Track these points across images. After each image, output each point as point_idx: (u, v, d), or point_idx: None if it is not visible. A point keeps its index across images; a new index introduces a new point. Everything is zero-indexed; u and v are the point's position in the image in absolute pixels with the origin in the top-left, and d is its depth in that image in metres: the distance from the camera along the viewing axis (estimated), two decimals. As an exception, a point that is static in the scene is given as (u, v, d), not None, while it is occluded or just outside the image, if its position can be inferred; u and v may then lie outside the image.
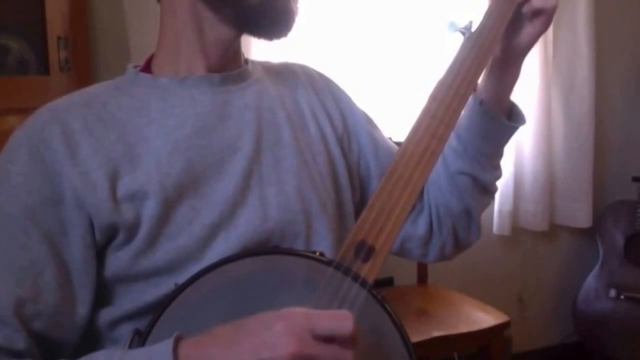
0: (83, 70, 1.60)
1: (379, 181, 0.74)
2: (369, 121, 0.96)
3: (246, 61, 0.87)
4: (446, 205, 0.92)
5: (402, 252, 0.97)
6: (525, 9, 0.81)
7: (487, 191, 0.92)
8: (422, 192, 0.94)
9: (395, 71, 1.99)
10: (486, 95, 0.86)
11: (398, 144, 0.85)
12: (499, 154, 0.91)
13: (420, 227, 0.94)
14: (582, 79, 2.22)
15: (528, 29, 0.82)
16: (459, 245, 0.96)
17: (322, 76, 0.95)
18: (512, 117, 0.89)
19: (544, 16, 0.81)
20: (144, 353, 0.62)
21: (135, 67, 0.83)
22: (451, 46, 0.81)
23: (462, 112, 0.84)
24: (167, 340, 0.60)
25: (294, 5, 0.79)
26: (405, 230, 0.94)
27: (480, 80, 0.85)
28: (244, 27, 0.80)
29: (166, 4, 0.81)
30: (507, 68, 0.85)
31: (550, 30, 2.10)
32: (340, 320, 0.59)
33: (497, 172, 0.92)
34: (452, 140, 0.88)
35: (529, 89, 2.11)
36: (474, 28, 0.80)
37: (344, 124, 0.91)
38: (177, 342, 0.60)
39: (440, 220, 0.94)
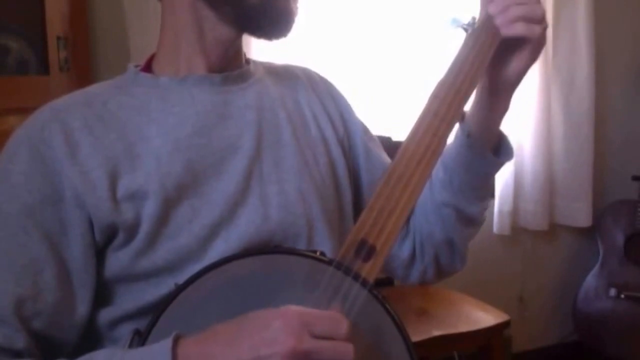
0: (83, 70, 1.60)
1: (380, 181, 0.74)
2: (366, 132, 0.94)
3: (247, 61, 0.87)
4: (430, 233, 0.90)
5: (386, 269, 0.94)
6: (506, 31, 0.76)
7: (472, 223, 0.89)
8: (409, 218, 0.92)
9: (395, 70, 1.99)
10: (474, 126, 0.83)
11: (398, 143, 0.85)
12: (485, 186, 0.88)
13: (404, 250, 0.93)
14: (582, 78, 2.22)
15: (515, 63, 0.78)
16: (441, 273, 0.94)
17: (323, 79, 0.95)
18: (500, 149, 0.86)
19: (530, 46, 0.77)
20: (144, 352, 0.62)
21: (136, 66, 0.83)
22: (452, 45, 0.80)
23: (450, 142, 0.82)
24: (166, 340, 0.60)
25: (293, 6, 0.79)
26: (392, 250, 0.92)
27: (469, 108, 0.83)
28: (244, 27, 0.80)
29: (166, 3, 0.81)
30: (496, 100, 0.82)
31: (550, 29, 2.10)
32: (335, 324, 0.60)
33: (483, 203, 0.89)
34: (439, 170, 0.86)
35: (528, 89, 2.11)
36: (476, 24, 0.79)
37: (344, 125, 0.91)
38: (175, 341, 0.60)
39: (423, 248, 0.92)
